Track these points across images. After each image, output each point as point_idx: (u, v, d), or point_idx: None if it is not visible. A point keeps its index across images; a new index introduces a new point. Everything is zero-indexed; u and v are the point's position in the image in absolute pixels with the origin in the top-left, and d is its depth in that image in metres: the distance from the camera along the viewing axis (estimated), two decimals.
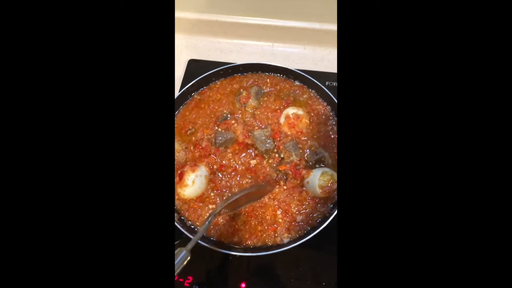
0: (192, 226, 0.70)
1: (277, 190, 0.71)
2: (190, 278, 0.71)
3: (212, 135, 0.78)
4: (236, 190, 0.72)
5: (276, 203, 0.71)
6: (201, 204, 0.71)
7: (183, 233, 0.66)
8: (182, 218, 0.71)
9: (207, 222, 0.59)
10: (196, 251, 0.67)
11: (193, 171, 0.71)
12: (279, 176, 0.73)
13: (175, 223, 0.66)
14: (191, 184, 0.70)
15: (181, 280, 0.70)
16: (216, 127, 0.79)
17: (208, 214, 0.68)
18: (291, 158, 0.74)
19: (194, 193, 0.71)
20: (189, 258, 0.53)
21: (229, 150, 0.76)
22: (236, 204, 0.64)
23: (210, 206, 0.71)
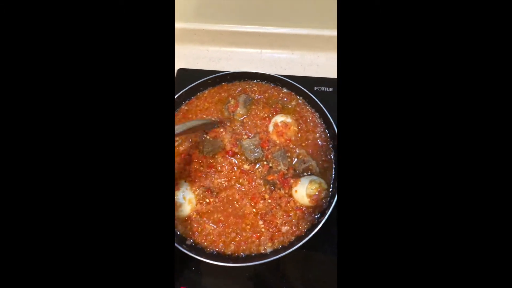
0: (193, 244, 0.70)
1: (261, 205, 0.71)
2: None
3: (200, 143, 0.78)
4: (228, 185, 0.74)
5: (259, 215, 0.71)
6: (204, 219, 0.71)
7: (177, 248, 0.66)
8: (177, 231, 0.71)
9: None
10: (186, 261, 0.68)
11: (178, 189, 0.71)
12: (267, 187, 0.73)
13: None
14: (184, 200, 0.70)
15: None
16: (204, 135, 0.79)
17: None
18: (279, 167, 0.74)
19: (191, 207, 0.71)
20: None
21: (217, 156, 0.76)
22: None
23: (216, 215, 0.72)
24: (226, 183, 0.74)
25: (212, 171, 0.75)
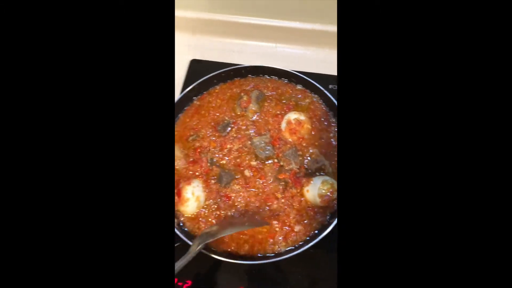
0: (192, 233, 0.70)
1: (275, 205, 0.71)
2: (189, 282, 0.72)
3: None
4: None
5: (273, 216, 0.70)
6: (213, 221, 0.71)
7: (182, 239, 0.66)
8: (181, 224, 0.71)
9: (196, 248, 0.59)
10: (196, 255, 0.68)
11: (189, 184, 0.71)
12: (280, 185, 0.72)
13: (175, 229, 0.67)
14: (192, 196, 0.70)
15: (180, 284, 0.72)
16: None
17: (198, 238, 0.63)
18: (291, 166, 0.73)
19: (198, 205, 0.71)
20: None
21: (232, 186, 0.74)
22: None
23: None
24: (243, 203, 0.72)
25: (229, 202, 0.72)
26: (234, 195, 0.72)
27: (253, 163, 0.75)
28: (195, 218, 0.71)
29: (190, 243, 0.65)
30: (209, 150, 0.77)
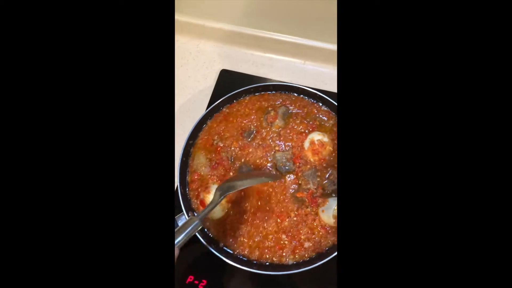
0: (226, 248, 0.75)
1: (286, 223, 0.75)
2: (204, 281, 0.78)
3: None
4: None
5: (282, 231, 0.75)
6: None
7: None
8: (206, 230, 0.77)
9: (219, 198, 0.63)
10: (213, 259, 0.72)
11: (208, 192, 0.76)
12: (296, 204, 0.77)
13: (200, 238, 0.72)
14: None
15: (196, 282, 0.78)
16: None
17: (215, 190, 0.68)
18: (308, 186, 0.77)
19: (222, 208, 0.76)
20: (200, 227, 0.59)
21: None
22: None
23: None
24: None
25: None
26: None
27: (273, 171, 0.79)
28: (220, 223, 0.76)
29: (211, 249, 0.71)
30: (230, 148, 0.82)
